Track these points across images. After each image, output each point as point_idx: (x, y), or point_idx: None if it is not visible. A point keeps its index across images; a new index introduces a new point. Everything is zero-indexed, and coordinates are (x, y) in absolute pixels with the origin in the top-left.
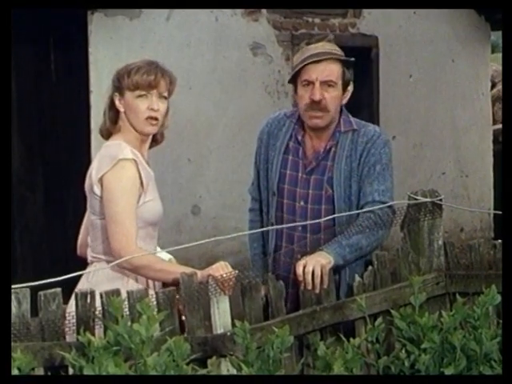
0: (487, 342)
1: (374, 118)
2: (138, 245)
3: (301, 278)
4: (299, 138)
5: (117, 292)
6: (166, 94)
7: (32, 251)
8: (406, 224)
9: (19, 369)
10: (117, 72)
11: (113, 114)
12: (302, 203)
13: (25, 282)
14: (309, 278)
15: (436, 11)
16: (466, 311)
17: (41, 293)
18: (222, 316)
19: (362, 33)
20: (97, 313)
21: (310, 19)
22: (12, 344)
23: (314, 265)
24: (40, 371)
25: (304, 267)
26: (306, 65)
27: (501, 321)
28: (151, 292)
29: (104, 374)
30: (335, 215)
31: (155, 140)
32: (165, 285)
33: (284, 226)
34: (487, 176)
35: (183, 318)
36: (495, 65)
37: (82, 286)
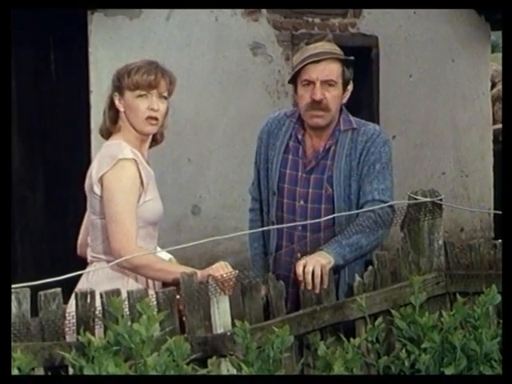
0: (487, 341)
1: (374, 118)
2: (139, 244)
3: (301, 278)
4: (299, 137)
5: (117, 292)
6: (165, 94)
7: (32, 251)
8: (406, 224)
9: (19, 369)
10: (117, 72)
11: (113, 113)
12: (301, 202)
13: (25, 282)
14: (309, 277)
15: (436, 11)
16: (466, 311)
17: (41, 293)
18: (222, 316)
19: (362, 33)
20: (97, 313)
21: (310, 19)
22: (12, 344)
23: (314, 265)
24: (40, 371)
25: (304, 267)
26: (305, 65)
27: (501, 321)
28: (151, 292)
29: (104, 374)
30: (335, 215)
31: (155, 140)
32: (165, 285)
33: (284, 225)
34: (487, 176)
35: (184, 318)
36: (495, 65)
37: (81, 285)
